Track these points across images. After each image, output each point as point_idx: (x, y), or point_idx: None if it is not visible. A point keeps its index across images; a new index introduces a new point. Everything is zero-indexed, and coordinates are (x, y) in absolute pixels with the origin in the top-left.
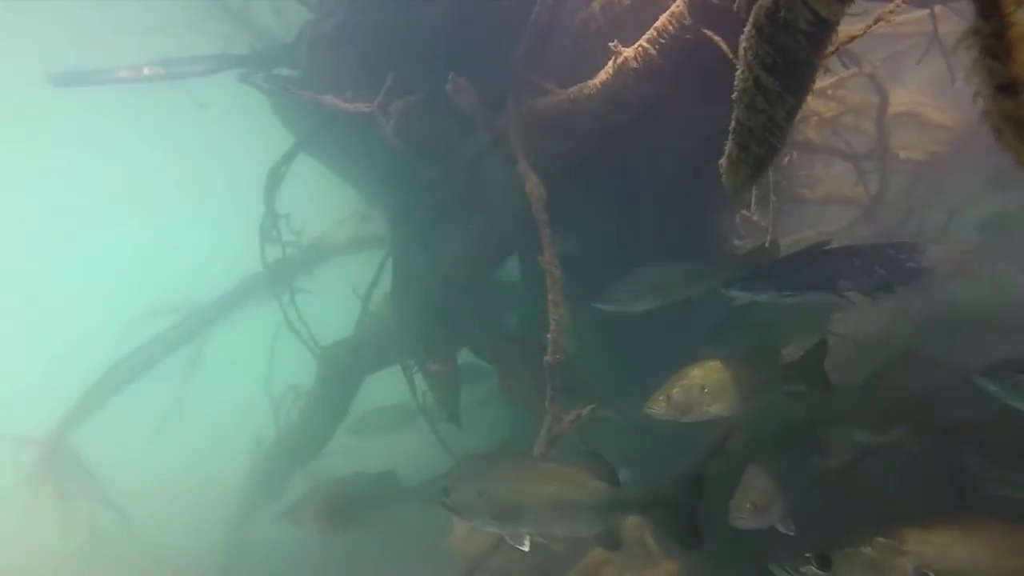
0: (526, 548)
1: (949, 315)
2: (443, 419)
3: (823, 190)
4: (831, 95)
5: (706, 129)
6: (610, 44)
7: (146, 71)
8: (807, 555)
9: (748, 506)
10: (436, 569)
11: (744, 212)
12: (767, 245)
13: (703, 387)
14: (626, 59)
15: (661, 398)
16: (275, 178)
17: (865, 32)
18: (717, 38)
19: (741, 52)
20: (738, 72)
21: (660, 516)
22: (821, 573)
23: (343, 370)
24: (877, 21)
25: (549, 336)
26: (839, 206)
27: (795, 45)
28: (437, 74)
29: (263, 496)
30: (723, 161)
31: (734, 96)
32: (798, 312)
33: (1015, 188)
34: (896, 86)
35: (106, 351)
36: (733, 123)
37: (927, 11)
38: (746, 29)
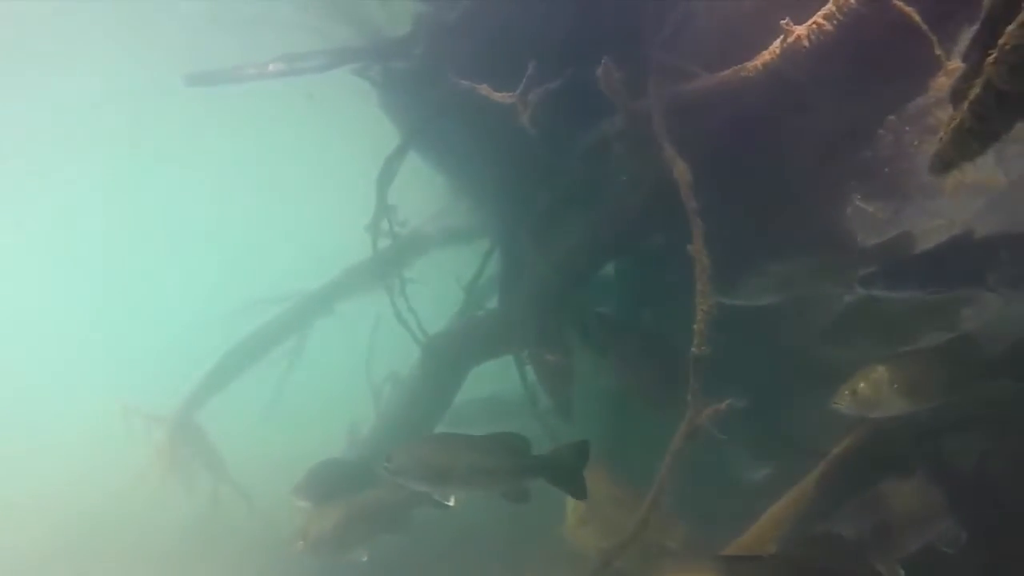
0: (452, 504)
1: None
2: (552, 412)
3: (955, 178)
4: None
5: (851, 111)
6: (781, 22)
7: (271, 68)
8: None
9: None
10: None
11: (858, 203)
12: (901, 237)
13: (892, 382)
14: (798, 37)
15: (847, 393)
16: (389, 170)
17: None
18: (910, 10)
19: None
20: (1010, 29)
21: (556, 477)
22: None
23: (449, 360)
24: None
25: (696, 327)
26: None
27: None
28: (563, 63)
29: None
30: (945, 133)
31: (991, 59)
32: (924, 307)
33: None
34: None
35: (224, 336)
36: (979, 90)
37: None
38: None
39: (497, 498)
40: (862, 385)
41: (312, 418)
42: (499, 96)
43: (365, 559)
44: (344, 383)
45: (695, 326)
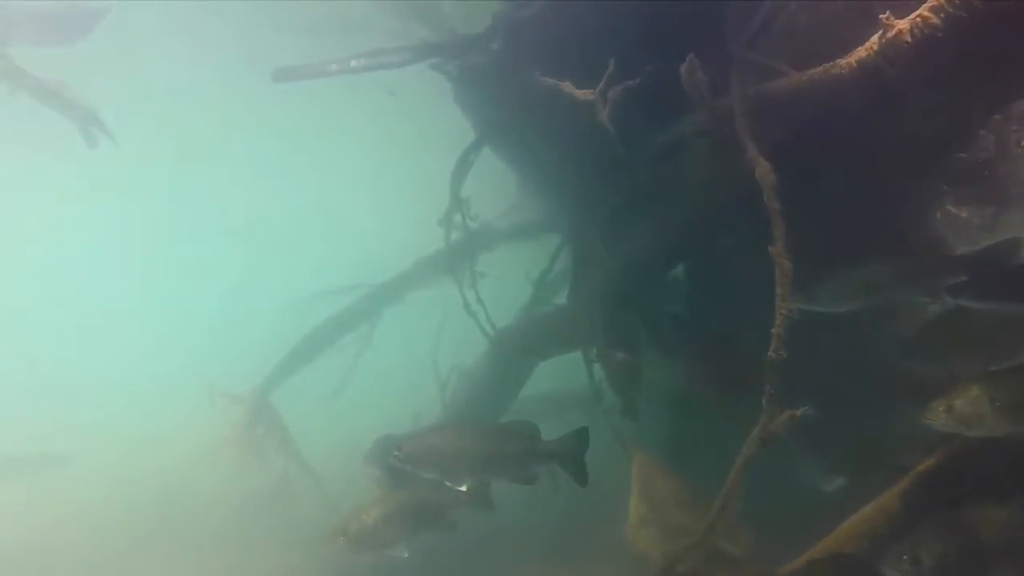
0: (464, 490)
1: None
2: (618, 410)
3: None
4: None
5: (953, 111)
6: (881, 16)
7: (353, 63)
8: None
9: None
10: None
11: (951, 208)
12: (1005, 244)
13: (993, 400)
14: (899, 32)
15: (941, 408)
16: (463, 165)
17: None
18: None
19: None
20: None
21: (562, 463)
22: None
23: (516, 354)
24: None
25: (774, 331)
26: None
27: None
28: (642, 59)
29: None
30: None
31: None
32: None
33: None
34: None
35: (299, 322)
36: None
37: None
38: None
39: (556, 496)
40: (959, 401)
41: (378, 406)
42: (579, 93)
43: (406, 555)
44: (410, 373)
45: (773, 330)
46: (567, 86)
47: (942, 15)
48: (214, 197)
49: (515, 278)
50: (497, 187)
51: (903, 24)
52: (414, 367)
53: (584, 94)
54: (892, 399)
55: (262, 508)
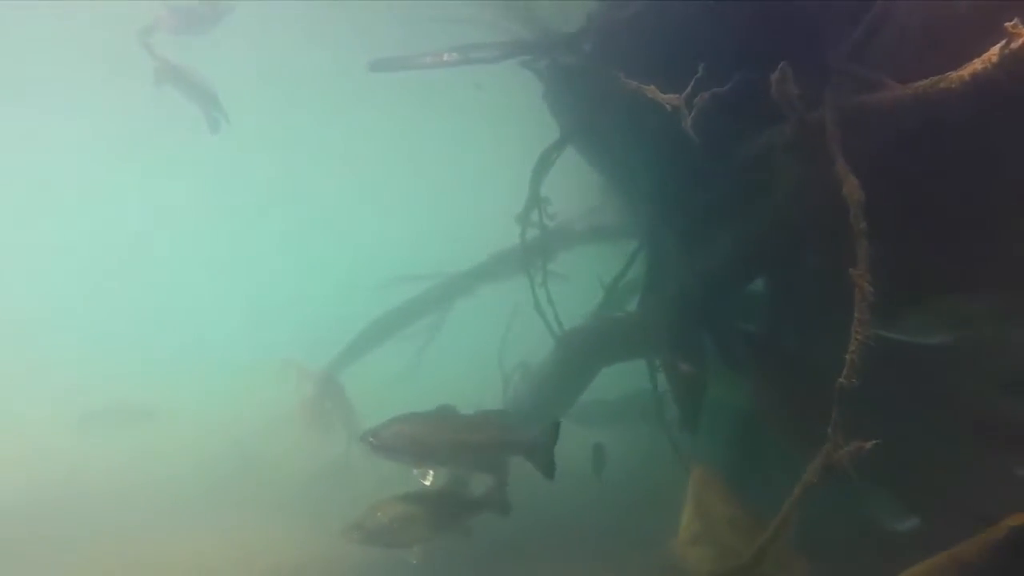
0: (428, 483)
1: None
2: (679, 423)
3: None
4: None
5: None
6: (1007, 24)
7: (446, 57)
8: None
9: None
10: None
11: None
12: None
13: None
14: None
15: None
16: (544, 163)
17: None
18: None
19: None
20: None
21: (532, 454)
22: None
23: (582, 357)
24: None
25: (848, 357)
26: None
27: None
28: (734, 66)
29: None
30: None
31: None
32: None
33: None
34: None
35: (371, 306)
36: None
37: None
38: None
39: (607, 503)
40: None
41: (446, 395)
42: (665, 98)
43: (415, 562)
44: (476, 366)
45: (847, 355)
46: (652, 90)
47: None
48: (302, 187)
49: (588, 280)
50: (577, 187)
51: None
52: (485, 360)
53: (669, 99)
54: (983, 442)
55: (325, 482)
